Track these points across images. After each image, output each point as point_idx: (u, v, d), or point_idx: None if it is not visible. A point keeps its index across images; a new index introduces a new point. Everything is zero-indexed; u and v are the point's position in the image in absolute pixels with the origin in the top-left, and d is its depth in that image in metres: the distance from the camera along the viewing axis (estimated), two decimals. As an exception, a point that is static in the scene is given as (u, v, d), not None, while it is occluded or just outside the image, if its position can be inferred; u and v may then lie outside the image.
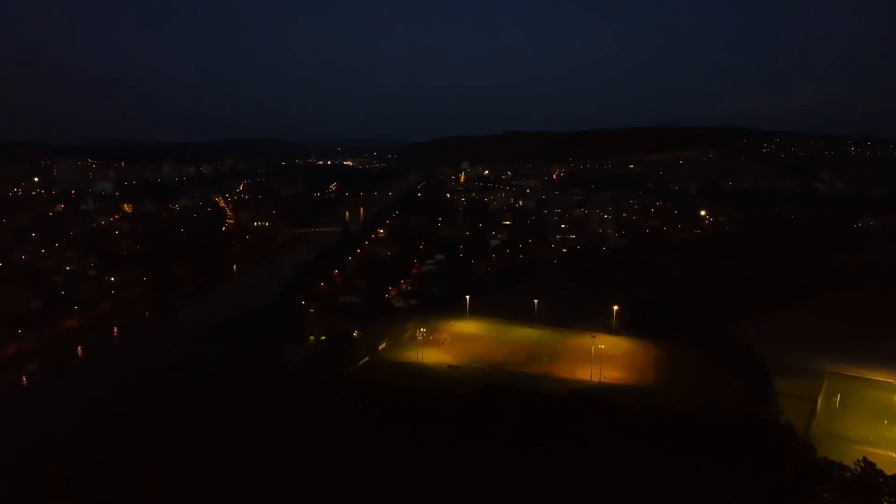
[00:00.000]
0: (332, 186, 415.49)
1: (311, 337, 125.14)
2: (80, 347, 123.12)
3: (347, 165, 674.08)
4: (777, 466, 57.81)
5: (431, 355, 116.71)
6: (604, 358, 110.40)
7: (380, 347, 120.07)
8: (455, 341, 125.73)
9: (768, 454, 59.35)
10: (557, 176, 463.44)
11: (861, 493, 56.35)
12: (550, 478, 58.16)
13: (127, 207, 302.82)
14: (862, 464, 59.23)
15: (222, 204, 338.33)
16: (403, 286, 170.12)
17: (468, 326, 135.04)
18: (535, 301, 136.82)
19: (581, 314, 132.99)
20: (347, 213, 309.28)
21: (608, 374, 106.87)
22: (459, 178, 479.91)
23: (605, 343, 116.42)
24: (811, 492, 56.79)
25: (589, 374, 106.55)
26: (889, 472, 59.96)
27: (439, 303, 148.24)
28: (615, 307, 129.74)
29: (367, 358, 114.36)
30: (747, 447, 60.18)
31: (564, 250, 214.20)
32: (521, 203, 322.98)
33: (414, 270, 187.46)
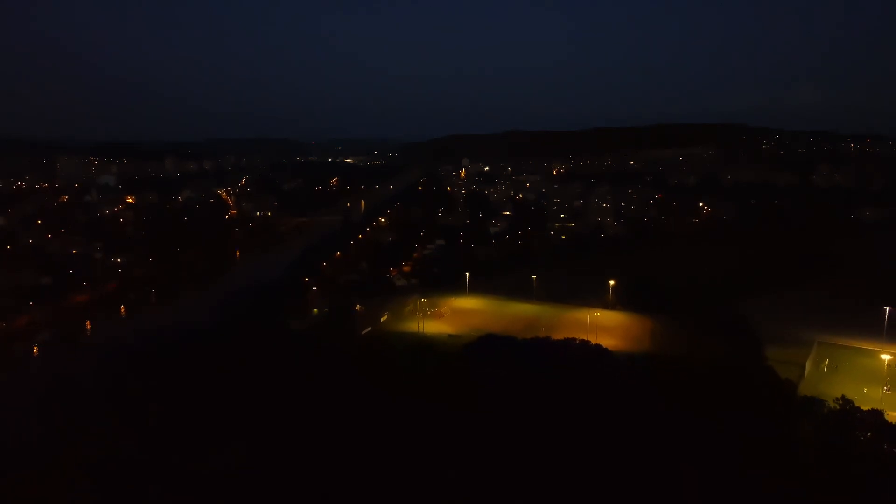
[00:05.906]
0: (334, 181, 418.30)
1: (315, 310, 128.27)
2: (88, 322, 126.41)
3: (349, 163, 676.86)
4: (759, 401, 60.78)
5: (432, 326, 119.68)
6: (600, 329, 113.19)
7: (381, 319, 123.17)
8: (455, 315, 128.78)
9: (750, 390, 62.28)
10: (557, 172, 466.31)
11: (840, 427, 59.29)
12: (543, 409, 61.12)
13: (131, 199, 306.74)
14: (840, 401, 62.21)
15: (224, 196, 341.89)
16: (405, 267, 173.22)
17: (468, 302, 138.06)
18: (534, 277, 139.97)
19: (578, 292, 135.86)
20: (349, 204, 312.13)
21: (604, 342, 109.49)
22: (460, 173, 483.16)
23: (602, 316, 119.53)
24: (793, 424, 59.68)
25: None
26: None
27: (440, 282, 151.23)
28: (611, 282, 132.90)
29: (369, 328, 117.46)
30: (731, 385, 63.17)
31: (563, 237, 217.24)
32: (520, 196, 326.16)
33: (415, 254, 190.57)
